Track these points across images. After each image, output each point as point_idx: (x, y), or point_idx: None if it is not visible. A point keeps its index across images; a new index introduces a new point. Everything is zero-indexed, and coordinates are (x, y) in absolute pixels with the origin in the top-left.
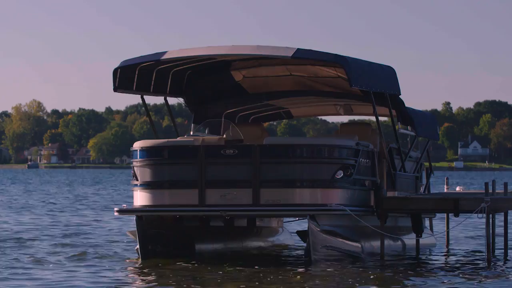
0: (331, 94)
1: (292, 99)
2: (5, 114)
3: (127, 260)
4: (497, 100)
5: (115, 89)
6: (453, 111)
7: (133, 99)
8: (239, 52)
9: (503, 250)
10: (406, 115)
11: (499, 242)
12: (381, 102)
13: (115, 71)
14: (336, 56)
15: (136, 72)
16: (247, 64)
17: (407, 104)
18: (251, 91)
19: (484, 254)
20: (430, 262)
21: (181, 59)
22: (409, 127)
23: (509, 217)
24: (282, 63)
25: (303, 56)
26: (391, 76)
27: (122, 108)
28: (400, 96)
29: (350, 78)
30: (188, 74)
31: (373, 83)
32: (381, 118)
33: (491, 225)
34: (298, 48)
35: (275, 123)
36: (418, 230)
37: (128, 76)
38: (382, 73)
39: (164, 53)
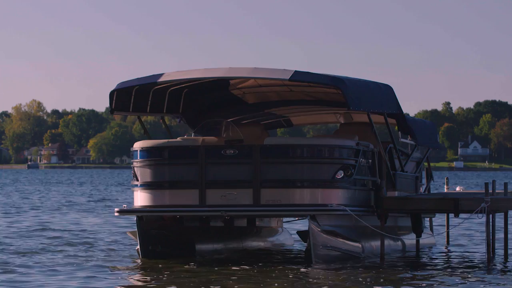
0: (331, 103)
1: (292, 108)
2: (5, 114)
3: (128, 261)
4: (497, 100)
5: (112, 112)
6: (453, 111)
7: None
8: (236, 75)
9: (503, 250)
10: (406, 125)
11: (499, 242)
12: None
13: (111, 94)
14: (334, 79)
15: (133, 94)
16: (246, 84)
17: (408, 105)
18: (250, 101)
19: (484, 254)
20: (430, 262)
21: (178, 81)
22: (409, 137)
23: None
24: (281, 83)
25: (301, 79)
26: (389, 95)
27: None
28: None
29: (348, 101)
30: (185, 92)
31: (371, 105)
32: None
33: (491, 225)
34: (295, 71)
35: None
36: (418, 230)
37: (124, 98)
38: (380, 93)
39: (160, 75)
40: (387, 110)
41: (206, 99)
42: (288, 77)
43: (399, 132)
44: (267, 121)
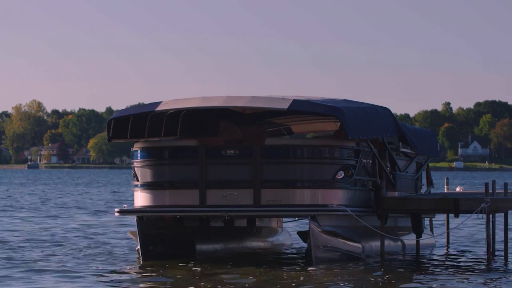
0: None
1: (292, 117)
2: (5, 114)
3: (128, 261)
4: (497, 100)
5: (110, 140)
6: (453, 111)
7: (134, 99)
8: (234, 104)
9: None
10: (405, 139)
11: (499, 242)
12: None
13: (109, 123)
14: (332, 108)
15: (130, 121)
16: (246, 107)
17: (408, 105)
18: (249, 112)
19: (484, 254)
20: (430, 262)
21: (175, 110)
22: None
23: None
24: None
25: (299, 109)
26: (387, 119)
27: (122, 108)
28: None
29: (347, 131)
30: (183, 114)
31: (370, 132)
32: None
33: (491, 225)
34: (294, 100)
35: None
36: (418, 230)
37: (122, 126)
38: (378, 118)
39: (158, 104)
40: (386, 135)
41: (204, 120)
42: (286, 107)
43: (400, 142)
44: (267, 129)
